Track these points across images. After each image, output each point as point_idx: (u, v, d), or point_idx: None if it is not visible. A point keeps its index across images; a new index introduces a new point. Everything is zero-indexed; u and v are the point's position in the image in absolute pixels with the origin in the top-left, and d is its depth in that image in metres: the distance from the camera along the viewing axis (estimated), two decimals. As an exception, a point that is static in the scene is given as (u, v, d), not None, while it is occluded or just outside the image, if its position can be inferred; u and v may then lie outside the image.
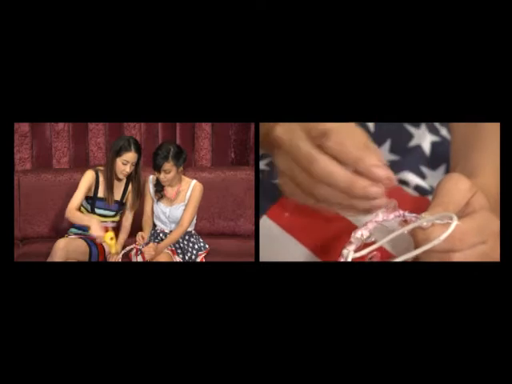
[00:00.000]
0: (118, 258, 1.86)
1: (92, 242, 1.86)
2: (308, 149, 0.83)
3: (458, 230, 0.79)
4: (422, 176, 1.03)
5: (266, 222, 1.03)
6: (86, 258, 1.83)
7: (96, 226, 1.77)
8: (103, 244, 1.84)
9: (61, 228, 2.07)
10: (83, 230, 1.89)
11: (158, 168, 1.81)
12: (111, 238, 1.77)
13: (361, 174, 0.83)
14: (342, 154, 0.83)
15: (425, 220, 0.81)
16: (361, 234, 0.84)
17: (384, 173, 0.83)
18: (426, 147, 1.03)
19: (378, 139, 1.00)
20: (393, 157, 1.03)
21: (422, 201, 1.03)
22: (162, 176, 1.82)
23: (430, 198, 1.04)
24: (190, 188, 1.91)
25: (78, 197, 1.85)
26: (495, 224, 0.83)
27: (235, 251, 2.01)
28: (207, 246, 2.00)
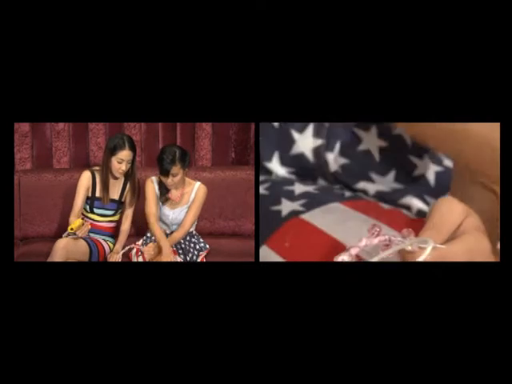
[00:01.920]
0: (118, 258, 1.87)
1: (92, 242, 1.87)
2: None
3: (448, 251, 0.78)
4: (426, 203, 1.02)
5: (265, 251, 0.99)
6: (86, 258, 1.83)
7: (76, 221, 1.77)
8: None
9: (63, 229, 2.08)
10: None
11: (166, 173, 1.79)
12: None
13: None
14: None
15: (408, 243, 0.80)
16: (342, 259, 0.82)
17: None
18: (431, 177, 1.02)
19: (382, 169, 1.00)
20: (397, 185, 1.02)
21: (418, 222, 1.02)
22: (170, 180, 1.81)
23: None
24: (194, 190, 1.91)
25: (78, 203, 1.87)
26: (486, 245, 0.82)
27: (235, 251, 2.01)
28: (207, 246, 2.00)
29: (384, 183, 1.00)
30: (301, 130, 1.02)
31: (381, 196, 1.01)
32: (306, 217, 0.95)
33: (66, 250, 1.75)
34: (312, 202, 0.96)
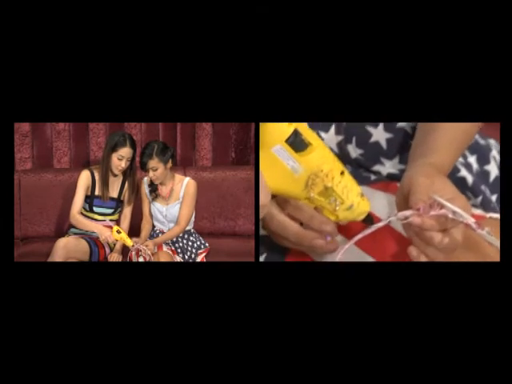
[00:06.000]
0: (119, 258, 1.87)
1: (93, 242, 1.87)
2: (276, 212, 1.03)
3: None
4: (383, 164, 1.22)
5: None
6: (86, 258, 1.83)
7: (101, 228, 1.82)
8: (116, 241, 1.85)
9: (63, 229, 2.08)
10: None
11: (144, 166, 1.84)
12: (118, 231, 1.78)
13: (312, 229, 1.01)
14: (298, 215, 1.02)
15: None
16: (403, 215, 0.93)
17: (329, 228, 1.01)
18: (383, 143, 1.21)
19: (389, 155, 1.21)
20: (403, 166, 1.20)
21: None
22: (151, 174, 1.84)
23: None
24: (183, 186, 1.92)
25: (78, 201, 1.88)
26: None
27: (235, 251, 2.01)
28: (207, 244, 2.00)
29: (392, 166, 1.20)
30: (326, 130, 1.24)
31: (391, 176, 1.21)
32: None
33: (66, 249, 1.76)
34: None
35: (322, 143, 0.98)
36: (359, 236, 0.96)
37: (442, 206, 0.90)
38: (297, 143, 0.95)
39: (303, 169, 0.95)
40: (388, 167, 1.21)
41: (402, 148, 1.20)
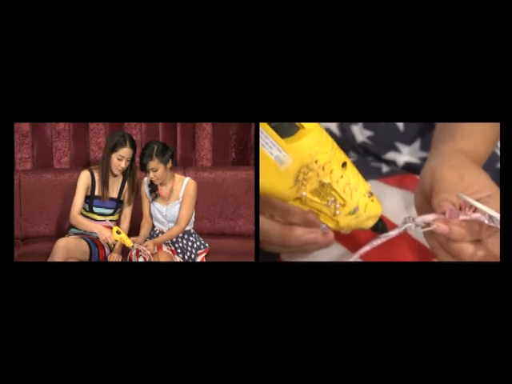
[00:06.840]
0: (119, 258, 1.87)
1: (93, 242, 1.87)
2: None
3: None
4: (398, 151, 0.98)
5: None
6: (86, 258, 1.83)
7: (101, 229, 1.83)
8: (116, 242, 1.85)
9: (63, 229, 2.08)
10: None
11: (144, 167, 1.84)
12: (118, 232, 1.78)
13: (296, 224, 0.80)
14: (272, 212, 0.82)
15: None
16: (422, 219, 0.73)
17: (313, 218, 0.80)
18: (400, 123, 0.97)
19: (407, 138, 0.99)
20: (425, 154, 0.98)
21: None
22: (152, 175, 1.85)
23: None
24: (183, 186, 1.93)
25: (78, 201, 1.88)
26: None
27: (235, 251, 2.01)
28: (207, 244, 2.00)
29: (411, 153, 0.96)
30: None
31: (410, 167, 0.97)
32: None
33: (66, 249, 1.76)
34: None
35: (317, 125, 0.76)
36: (366, 248, 0.77)
37: (474, 209, 0.70)
38: (283, 126, 0.74)
39: (292, 159, 0.73)
40: (405, 155, 0.99)
41: (424, 130, 0.99)
